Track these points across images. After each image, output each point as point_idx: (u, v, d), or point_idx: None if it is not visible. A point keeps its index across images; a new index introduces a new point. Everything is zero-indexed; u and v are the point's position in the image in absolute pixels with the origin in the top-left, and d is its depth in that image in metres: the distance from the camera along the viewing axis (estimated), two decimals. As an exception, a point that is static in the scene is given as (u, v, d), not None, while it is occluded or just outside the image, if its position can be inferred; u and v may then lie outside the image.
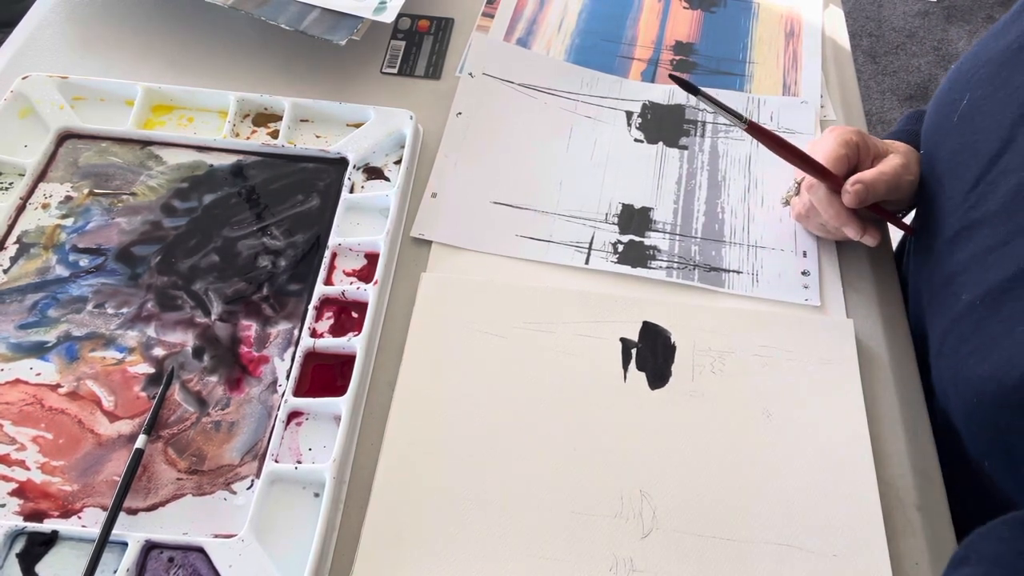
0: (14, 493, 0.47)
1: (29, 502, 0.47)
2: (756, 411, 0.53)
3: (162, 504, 0.47)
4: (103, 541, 0.45)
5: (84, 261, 0.57)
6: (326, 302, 0.56)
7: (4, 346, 0.53)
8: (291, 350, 0.54)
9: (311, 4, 0.70)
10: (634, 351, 0.56)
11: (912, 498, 0.51)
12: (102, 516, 0.46)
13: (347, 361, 0.53)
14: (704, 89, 0.53)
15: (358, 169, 0.63)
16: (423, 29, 0.75)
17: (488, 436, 0.51)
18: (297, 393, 0.51)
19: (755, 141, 0.68)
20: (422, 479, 0.49)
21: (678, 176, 0.66)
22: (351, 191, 0.61)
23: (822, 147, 0.58)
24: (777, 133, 0.56)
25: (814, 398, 0.54)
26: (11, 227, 0.58)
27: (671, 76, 0.55)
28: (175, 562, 0.45)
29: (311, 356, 0.53)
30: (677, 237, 0.62)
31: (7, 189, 0.60)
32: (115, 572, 0.44)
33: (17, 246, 0.57)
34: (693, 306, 0.58)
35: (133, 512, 0.47)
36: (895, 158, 0.57)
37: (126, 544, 0.45)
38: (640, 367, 0.55)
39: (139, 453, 0.48)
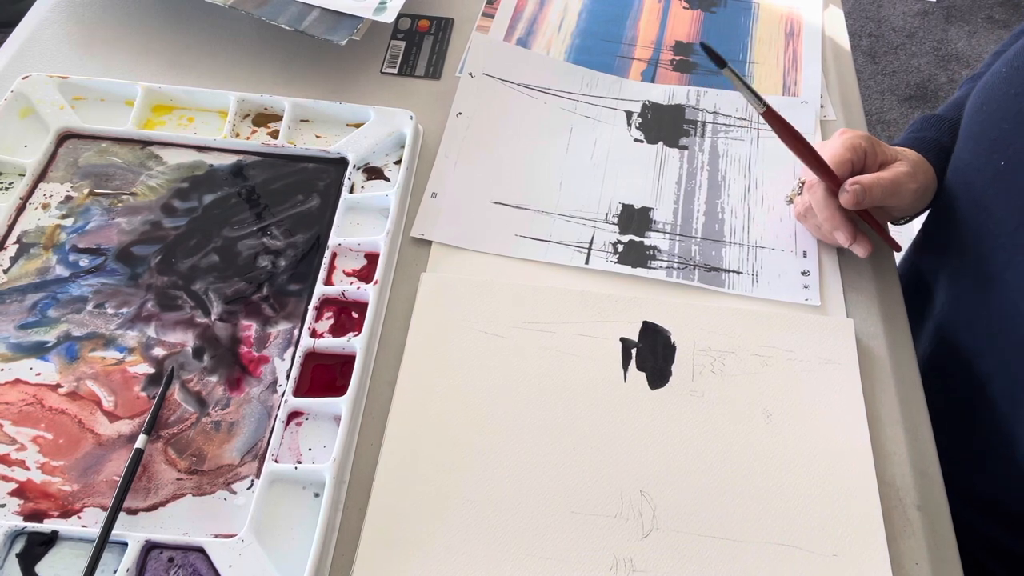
0: (14, 493, 0.47)
1: (29, 502, 0.47)
2: (756, 411, 0.53)
3: (162, 504, 0.47)
4: (103, 541, 0.45)
5: (84, 261, 0.57)
6: (326, 302, 0.56)
7: (4, 346, 0.53)
8: (291, 350, 0.54)
9: (311, 4, 0.70)
10: (634, 351, 0.56)
11: (912, 498, 0.51)
12: (102, 516, 0.46)
13: (347, 361, 0.53)
14: (730, 65, 0.52)
15: (358, 169, 0.63)
16: (423, 29, 0.75)
17: (488, 436, 0.51)
18: (297, 393, 0.51)
19: (754, 141, 0.69)
20: (422, 479, 0.49)
21: (678, 176, 0.66)
22: (351, 191, 0.61)
23: (829, 148, 0.58)
24: (791, 124, 0.56)
25: (814, 398, 0.54)
26: (11, 227, 0.58)
27: (701, 44, 0.53)
28: (175, 562, 0.45)
29: (311, 356, 0.53)
30: (677, 237, 0.62)
31: (7, 189, 0.60)
32: (115, 572, 0.44)
33: (17, 246, 0.57)
34: (693, 306, 0.58)
35: (133, 512, 0.47)
36: (900, 165, 0.57)
37: (126, 544, 0.45)
38: (640, 367, 0.55)
39: (139, 453, 0.48)
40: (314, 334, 0.54)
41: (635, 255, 0.61)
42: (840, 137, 0.58)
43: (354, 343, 0.53)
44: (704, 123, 0.70)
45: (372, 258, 0.58)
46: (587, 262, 0.60)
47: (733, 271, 0.60)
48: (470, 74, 0.71)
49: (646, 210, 0.64)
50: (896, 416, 0.54)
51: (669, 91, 0.72)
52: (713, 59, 0.52)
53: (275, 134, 0.64)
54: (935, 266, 0.65)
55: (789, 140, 0.56)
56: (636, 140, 0.68)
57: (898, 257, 0.72)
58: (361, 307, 0.55)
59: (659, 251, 0.61)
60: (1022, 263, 0.53)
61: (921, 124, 0.63)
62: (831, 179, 0.56)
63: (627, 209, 0.63)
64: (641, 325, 0.57)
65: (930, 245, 0.67)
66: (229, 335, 0.54)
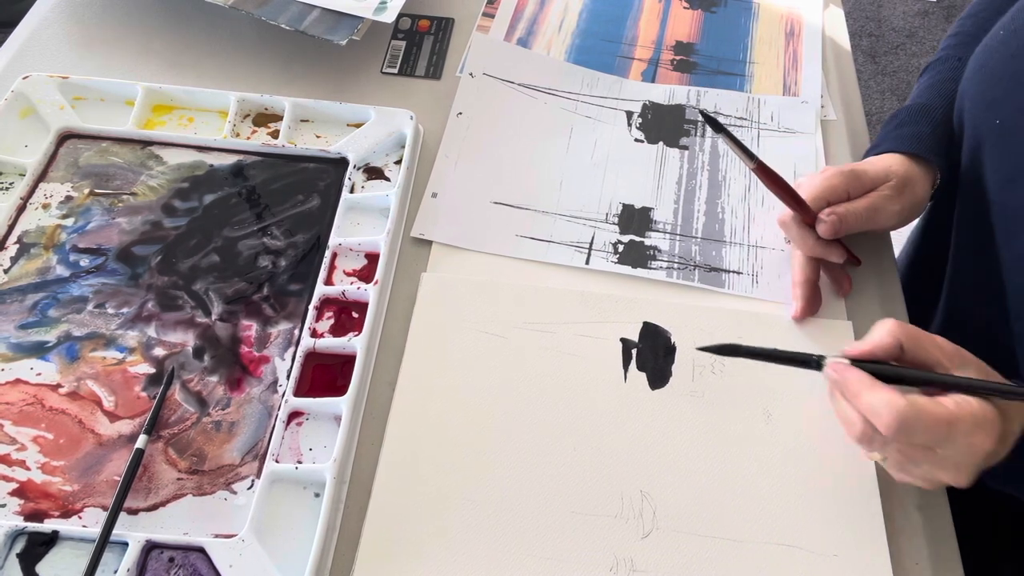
0: (14, 493, 0.47)
1: (29, 502, 0.47)
2: (756, 411, 0.53)
3: (163, 504, 0.47)
4: (103, 541, 0.45)
5: (84, 261, 0.57)
6: (326, 302, 0.56)
7: (5, 346, 0.53)
8: (291, 350, 0.54)
9: (311, 4, 0.70)
10: (634, 351, 0.56)
11: (912, 498, 0.51)
12: (102, 516, 0.46)
13: (347, 361, 0.53)
14: (727, 128, 0.52)
15: (358, 169, 0.63)
16: (423, 29, 0.75)
17: (488, 436, 0.51)
18: (297, 393, 0.51)
19: (755, 141, 0.69)
20: (422, 479, 0.50)
21: (678, 176, 0.66)
22: (351, 191, 0.61)
23: (807, 187, 0.57)
24: (782, 177, 0.56)
25: (814, 398, 0.54)
26: (11, 227, 0.58)
27: (701, 112, 0.53)
28: (176, 562, 0.45)
29: (311, 356, 0.53)
30: (677, 237, 0.62)
31: (8, 189, 0.60)
32: (115, 572, 0.44)
33: (18, 246, 0.57)
34: (693, 306, 0.58)
35: (134, 512, 0.47)
36: (882, 189, 0.57)
37: (126, 544, 0.45)
38: (640, 367, 0.55)
39: (139, 453, 0.48)
40: (314, 334, 0.54)
41: (635, 255, 0.61)
42: (820, 175, 0.58)
43: (354, 343, 0.53)
44: (704, 123, 0.70)
45: (372, 258, 0.58)
46: (587, 262, 0.60)
47: (733, 271, 0.60)
48: (470, 74, 0.71)
49: (646, 210, 0.64)
50: (896, 416, 0.54)
51: (669, 91, 0.72)
52: (711, 124, 0.52)
53: (275, 134, 0.64)
54: (940, 242, 0.65)
55: (780, 192, 0.56)
56: (636, 140, 0.68)
57: (897, 248, 0.72)
58: (361, 307, 0.55)
59: (659, 251, 0.61)
60: (1008, 221, 0.54)
61: (908, 120, 0.62)
62: (808, 215, 0.57)
63: (627, 209, 0.63)
64: (641, 326, 0.57)
65: (935, 220, 0.66)
66: (229, 335, 0.54)
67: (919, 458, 0.44)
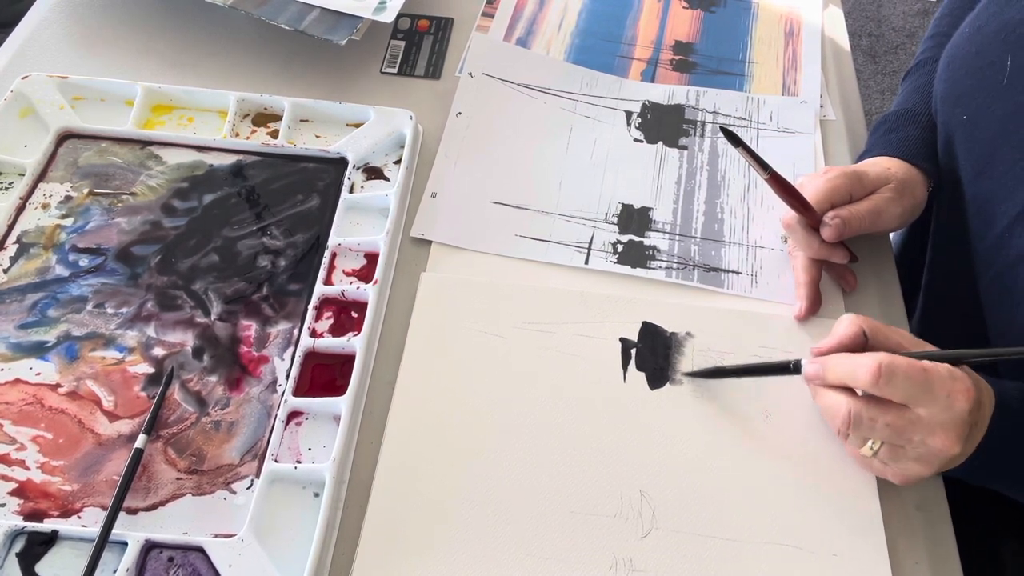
0: (14, 493, 0.47)
1: (29, 502, 0.47)
2: (756, 411, 0.53)
3: (162, 504, 0.47)
4: (103, 541, 0.45)
5: (84, 261, 0.57)
6: (326, 302, 0.56)
7: (4, 346, 0.53)
8: (291, 350, 0.54)
9: (311, 4, 0.70)
10: (634, 351, 0.56)
11: (912, 498, 0.51)
12: (102, 516, 0.46)
13: (347, 361, 0.53)
14: (745, 143, 0.53)
15: (358, 169, 0.63)
16: (423, 29, 0.75)
17: (487, 436, 0.51)
18: (297, 393, 0.51)
19: (754, 140, 0.69)
20: (422, 479, 0.50)
21: (678, 176, 0.66)
22: (351, 191, 0.61)
23: (811, 188, 0.57)
24: (792, 185, 0.56)
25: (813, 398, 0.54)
26: (11, 227, 0.58)
27: (722, 128, 0.54)
28: (175, 562, 0.45)
29: (311, 356, 0.53)
30: (677, 237, 0.62)
31: (7, 189, 0.60)
32: (115, 572, 0.44)
33: (17, 246, 0.57)
34: (692, 306, 0.58)
35: (133, 512, 0.47)
36: (884, 191, 0.57)
37: (126, 544, 0.45)
38: (640, 367, 0.55)
39: (139, 453, 0.48)
40: (314, 334, 0.54)
41: (635, 255, 0.61)
42: (822, 176, 0.58)
43: (354, 343, 0.53)
44: (704, 123, 0.70)
45: (372, 258, 0.58)
46: (587, 262, 0.60)
47: (732, 271, 0.60)
48: (470, 74, 0.71)
49: (646, 210, 0.64)
50: (896, 416, 0.54)
51: (669, 91, 0.72)
52: (730, 139, 0.53)
53: (275, 134, 0.64)
54: (920, 233, 0.67)
55: (790, 200, 0.56)
56: (636, 140, 0.68)
57: (894, 236, 0.73)
58: (361, 307, 0.55)
59: (659, 251, 0.61)
60: (981, 213, 0.55)
61: (896, 126, 0.62)
62: (813, 219, 0.57)
63: (627, 209, 0.63)
64: (640, 325, 0.57)
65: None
66: (229, 335, 0.54)
67: (907, 429, 0.45)
